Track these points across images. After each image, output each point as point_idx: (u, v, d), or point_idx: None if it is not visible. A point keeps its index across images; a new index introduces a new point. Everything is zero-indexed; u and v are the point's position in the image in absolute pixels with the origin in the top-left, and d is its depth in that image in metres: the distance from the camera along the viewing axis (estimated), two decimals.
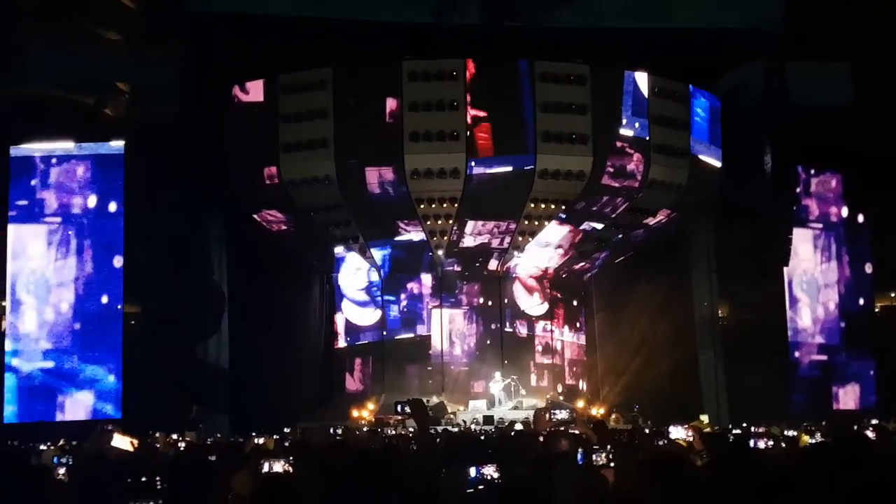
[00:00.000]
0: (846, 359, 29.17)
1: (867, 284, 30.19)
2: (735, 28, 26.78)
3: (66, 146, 26.03)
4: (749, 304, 28.72)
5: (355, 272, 29.65)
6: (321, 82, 25.51)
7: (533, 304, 30.16)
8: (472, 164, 25.21)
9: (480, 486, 4.95)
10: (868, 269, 29.95)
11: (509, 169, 25.60)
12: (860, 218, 29.90)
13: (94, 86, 26.00)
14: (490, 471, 5.13)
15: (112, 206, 25.92)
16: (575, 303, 31.75)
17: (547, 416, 16.95)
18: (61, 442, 16.25)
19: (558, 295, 31.03)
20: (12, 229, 25.84)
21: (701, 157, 27.16)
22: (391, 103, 25.24)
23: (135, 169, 25.06)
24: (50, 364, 25.33)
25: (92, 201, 26.01)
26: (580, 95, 25.50)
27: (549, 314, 30.69)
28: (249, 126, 26.36)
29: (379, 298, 29.46)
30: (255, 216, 27.81)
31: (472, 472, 5.07)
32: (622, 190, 26.38)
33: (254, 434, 16.00)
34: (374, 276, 29.47)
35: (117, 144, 25.86)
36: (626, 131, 25.94)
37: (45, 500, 5.46)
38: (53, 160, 26.08)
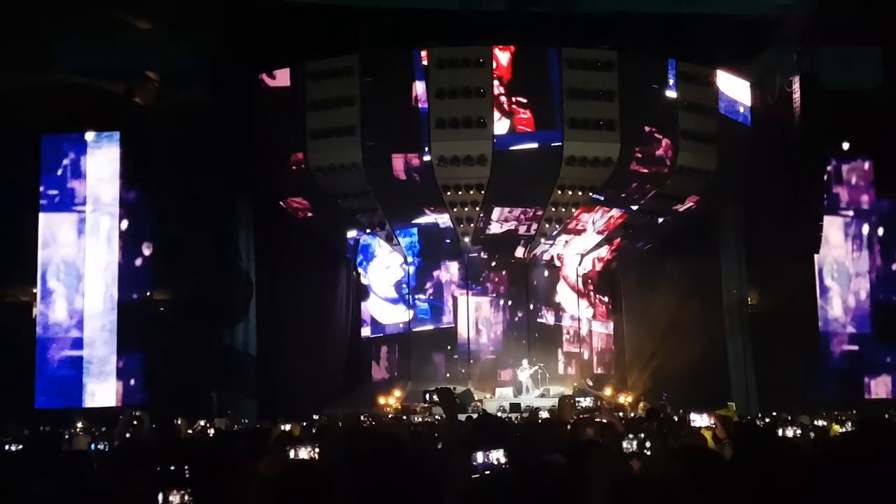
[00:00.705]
0: (877, 349, 28.74)
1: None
2: (765, 13, 26.39)
3: (95, 135, 26.27)
4: (779, 291, 28.38)
5: (385, 269, 29.66)
6: (348, 69, 25.53)
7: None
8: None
9: (487, 472, 4.90)
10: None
11: (535, 146, 25.39)
12: (891, 204, 29.35)
13: (123, 73, 26.14)
14: (498, 456, 5.03)
15: (141, 194, 26.12)
16: (602, 289, 31.62)
17: (572, 403, 16.88)
18: (91, 428, 16.43)
19: (586, 282, 30.93)
20: (43, 218, 26.11)
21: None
22: (418, 88, 25.20)
23: (164, 156, 25.20)
24: (80, 353, 25.60)
25: (121, 189, 26.20)
26: (608, 82, 25.31)
27: (577, 302, 30.60)
28: (277, 112, 26.46)
29: (409, 297, 29.45)
30: (281, 203, 27.94)
31: (479, 457, 4.98)
32: (651, 176, 26.18)
33: (280, 420, 16.11)
34: (403, 272, 29.48)
35: (145, 130, 26.06)
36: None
37: (82, 484, 5.52)
38: (83, 149, 26.32)
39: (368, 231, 28.62)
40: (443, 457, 5.48)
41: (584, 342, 30.84)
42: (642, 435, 8.00)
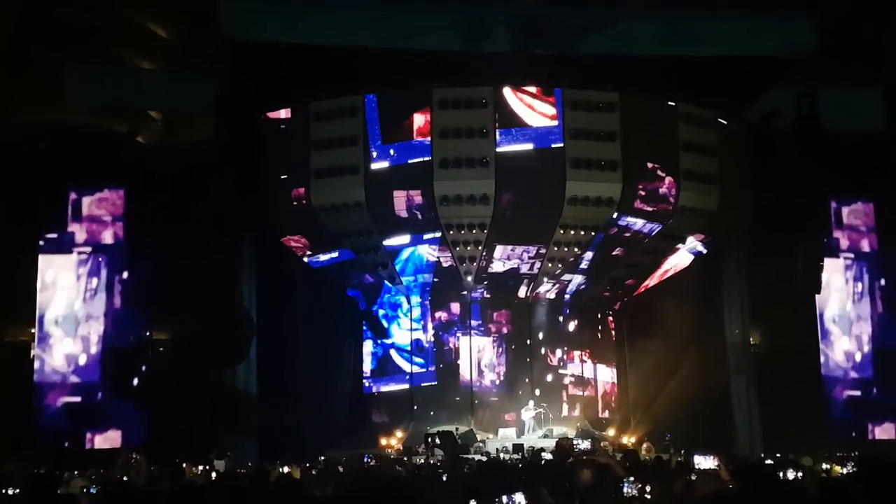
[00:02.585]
0: (881, 396, 28.35)
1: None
2: (767, 54, 26.63)
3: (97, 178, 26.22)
4: (781, 331, 28.28)
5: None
6: (352, 109, 25.73)
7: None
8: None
9: None
10: None
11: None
12: (893, 248, 29.16)
13: (127, 113, 26.32)
14: (520, 499, 5.03)
15: (143, 234, 26.03)
16: (605, 329, 31.53)
17: (570, 445, 16.75)
18: (89, 472, 16.29)
19: (588, 321, 30.86)
20: (42, 260, 25.92)
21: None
22: (419, 121, 25.32)
23: (167, 196, 25.26)
24: (77, 399, 25.28)
25: (122, 230, 26.10)
26: (609, 123, 25.48)
27: (580, 342, 30.51)
28: (281, 152, 26.62)
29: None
30: (289, 244, 27.96)
31: (505, 500, 4.98)
32: (655, 214, 26.23)
33: (281, 462, 15.99)
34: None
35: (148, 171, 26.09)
36: None
37: None
38: (85, 189, 26.22)
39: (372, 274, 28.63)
40: (446, 500, 5.44)
41: (588, 383, 30.68)
42: (641, 479, 7.90)
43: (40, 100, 25.18)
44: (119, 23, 25.06)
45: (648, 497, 7.47)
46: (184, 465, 17.04)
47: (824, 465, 14.60)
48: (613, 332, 31.90)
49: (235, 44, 25.28)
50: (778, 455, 19.83)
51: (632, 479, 7.91)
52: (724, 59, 25.83)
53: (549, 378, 29.58)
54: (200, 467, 17.47)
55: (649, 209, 26.10)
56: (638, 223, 26.52)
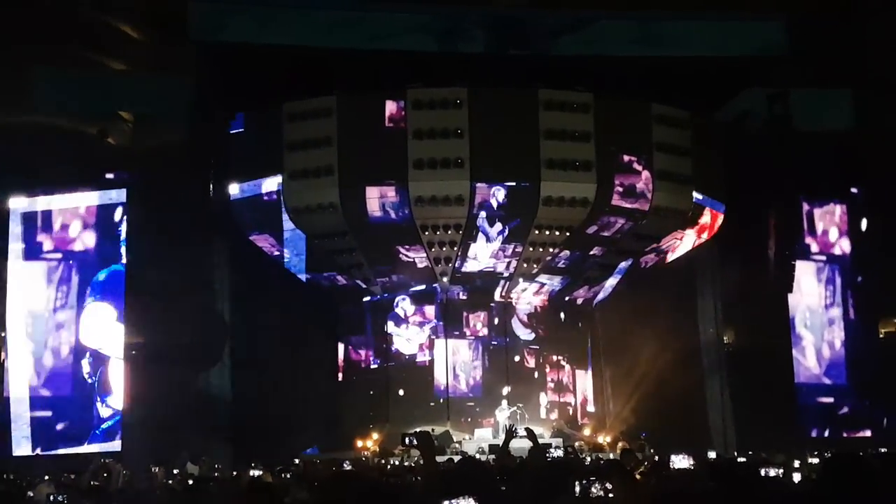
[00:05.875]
0: (853, 402, 28.38)
1: (872, 318, 29.54)
2: (739, 55, 26.84)
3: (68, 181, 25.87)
4: (755, 331, 28.46)
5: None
6: (326, 110, 25.60)
7: (527, 334, 30.12)
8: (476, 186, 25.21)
9: None
10: (872, 302, 29.10)
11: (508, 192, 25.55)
12: (865, 250, 29.27)
13: (97, 115, 26.02)
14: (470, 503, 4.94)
15: (114, 237, 25.77)
16: (581, 330, 31.56)
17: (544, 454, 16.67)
18: (63, 478, 16.08)
19: (564, 323, 30.88)
20: (11, 267, 25.52)
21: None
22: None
23: (138, 197, 25.02)
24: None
25: (93, 236, 25.76)
26: (584, 123, 25.55)
27: (556, 342, 30.54)
28: (253, 153, 26.43)
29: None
30: (256, 244, 27.75)
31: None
32: (632, 212, 26.29)
33: (253, 465, 15.85)
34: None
35: (121, 171, 25.82)
36: None
37: None
38: (56, 192, 25.86)
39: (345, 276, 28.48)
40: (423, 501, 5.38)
41: (564, 384, 30.70)
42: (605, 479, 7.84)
43: (10, 103, 24.81)
44: (88, 24, 24.79)
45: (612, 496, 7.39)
46: (156, 469, 16.87)
47: (797, 463, 14.66)
48: (589, 333, 31.92)
49: (206, 45, 25.10)
50: (750, 453, 19.95)
51: (593, 479, 7.81)
52: (697, 61, 26.04)
53: (525, 380, 29.55)
54: (175, 471, 17.30)
55: (626, 206, 26.15)
56: (614, 221, 26.58)
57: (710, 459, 14.36)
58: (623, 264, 29.13)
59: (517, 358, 29.69)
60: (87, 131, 25.97)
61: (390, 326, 29.40)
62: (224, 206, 26.49)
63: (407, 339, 29.28)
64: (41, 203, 25.91)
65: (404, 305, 29.29)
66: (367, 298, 29.83)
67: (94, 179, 26.15)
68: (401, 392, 28.91)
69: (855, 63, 26.29)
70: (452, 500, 4.71)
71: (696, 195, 27.18)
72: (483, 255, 26.94)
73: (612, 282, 30.17)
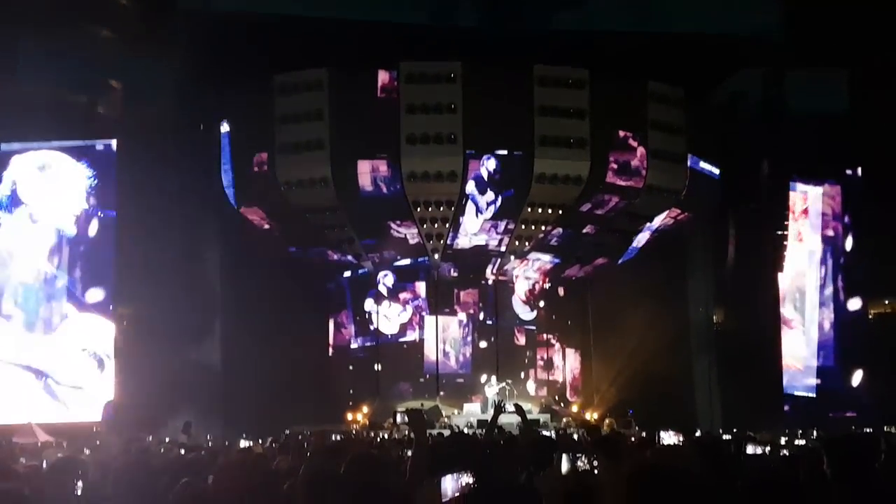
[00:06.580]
0: (841, 382, 28.49)
1: (863, 300, 29.56)
2: (734, 34, 26.71)
3: (56, 148, 25.63)
4: (744, 312, 28.58)
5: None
6: (317, 83, 25.40)
7: (527, 312, 30.18)
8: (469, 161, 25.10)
9: (457, 494, 4.83)
10: (863, 283, 29.10)
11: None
12: (858, 232, 29.22)
13: (86, 84, 25.74)
14: (467, 479, 4.98)
15: (105, 207, 25.56)
16: (571, 307, 31.63)
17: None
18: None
19: (555, 300, 30.94)
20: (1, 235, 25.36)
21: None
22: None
23: (128, 168, 24.84)
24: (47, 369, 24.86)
25: (84, 203, 25.56)
26: (579, 100, 25.43)
27: (546, 321, 30.60)
28: (244, 126, 26.25)
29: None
30: (247, 216, 27.62)
31: (449, 480, 4.92)
32: (626, 190, 26.24)
33: (243, 437, 15.90)
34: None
35: (109, 142, 25.56)
36: None
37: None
38: (45, 162, 25.61)
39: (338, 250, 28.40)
40: (413, 476, 5.39)
41: (553, 361, 30.82)
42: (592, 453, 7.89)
43: None
44: None
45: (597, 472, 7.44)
46: (149, 438, 16.94)
47: (783, 441, 14.78)
48: (580, 311, 32.00)
49: (196, 15, 24.80)
50: (736, 431, 20.08)
51: (580, 454, 7.86)
52: (693, 40, 25.88)
53: (515, 357, 29.64)
54: (167, 440, 17.35)
55: (620, 183, 26.10)
56: (608, 199, 26.54)
57: (696, 437, 14.43)
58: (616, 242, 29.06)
59: (507, 335, 29.74)
60: (76, 101, 25.69)
61: (369, 304, 29.40)
62: (214, 179, 26.32)
63: (385, 316, 29.25)
64: (30, 170, 25.62)
65: (386, 282, 29.24)
66: (347, 274, 29.78)
67: (83, 149, 25.86)
68: (390, 368, 28.97)
69: (851, 44, 26.19)
70: (451, 475, 4.73)
71: (691, 159, 27.08)
72: (473, 226, 26.75)
73: (606, 261, 30.08)
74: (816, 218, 29.12)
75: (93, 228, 25.47)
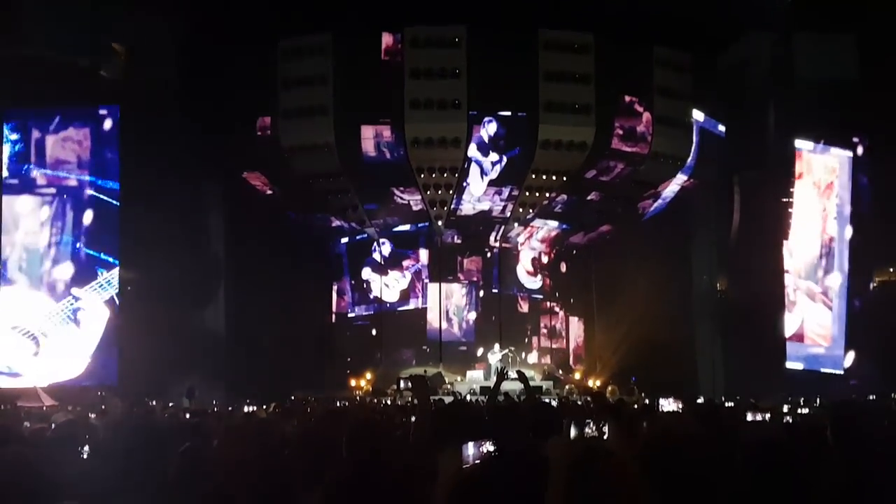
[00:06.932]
0: (844, 351, 28.32)
1: (868, 268, 29.36)
2: None
3: (58, 112, 25.56)
4: (748, 278, 28.48)
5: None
6: (321, 47, 25.21)
7: (531, 281, 30.20)
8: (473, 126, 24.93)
9: (477, 461, 4.84)
10: (869, 251, 28.88)
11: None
12: (869, 201, 28.95)
13: (89, 47, 25.53)
14: (488, 446, 4.99)
15: (108, 172, 25.52)
16: (575, 275, 31.63)
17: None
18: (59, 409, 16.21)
19: (558, 269, 30.94)
20: (6, 201, 25.34)
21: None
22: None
23: (131, 133, 24.73)
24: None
25: (87, 168, 25.52)
26: (584, 65, 25.20)
27: (550, 289, 30.62)
28: (247, 90, 26.08)
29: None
30: (250, 182, 27.55)
31: (471, 448, 4.93)
32: (631, 156, 26.08)
33: (247, 402, 15.98)
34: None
35: (113, 107, 25.46)
36: None
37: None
38: (47, 128, 25.56)
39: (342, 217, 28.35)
40: (417, 445, 5.39)
41: (556, 329, 30.88)
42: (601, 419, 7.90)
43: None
44: None
45: (606, 437, 7.45)
46: (153, 403, 17.05)
47: (785, 408, 14.80)
48: (583, 279, 32.00)
49: None
50: (738, 398, 20.12)
51: (588, 420, 7.86)
52: (699, 3, 25.52)
53: (518, 324, 29.70)
54: (171, 404, 17.48)
55: (625, 149, 25.94)
56: (613, 166, 26.40)
57: (697, 404, 14.47)
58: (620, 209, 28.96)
59: (511, 303, 29.78)
60: (78, 64, 25.48)
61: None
62: (217, 144, 26.20)
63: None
64: (35, 135, 25.57)
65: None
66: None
67: (86, 113, 25.75)
68: (392, 335, 29.07)
69: (860, 8, 25.83)
70: (475, 443, 4.74)
71: (697, 115, 26.83)
72: (478, 189, 26.63)
73: (610, 228, 29.99)
74: (823, 184, 28.89)
75: (95, 193, 25.47)
